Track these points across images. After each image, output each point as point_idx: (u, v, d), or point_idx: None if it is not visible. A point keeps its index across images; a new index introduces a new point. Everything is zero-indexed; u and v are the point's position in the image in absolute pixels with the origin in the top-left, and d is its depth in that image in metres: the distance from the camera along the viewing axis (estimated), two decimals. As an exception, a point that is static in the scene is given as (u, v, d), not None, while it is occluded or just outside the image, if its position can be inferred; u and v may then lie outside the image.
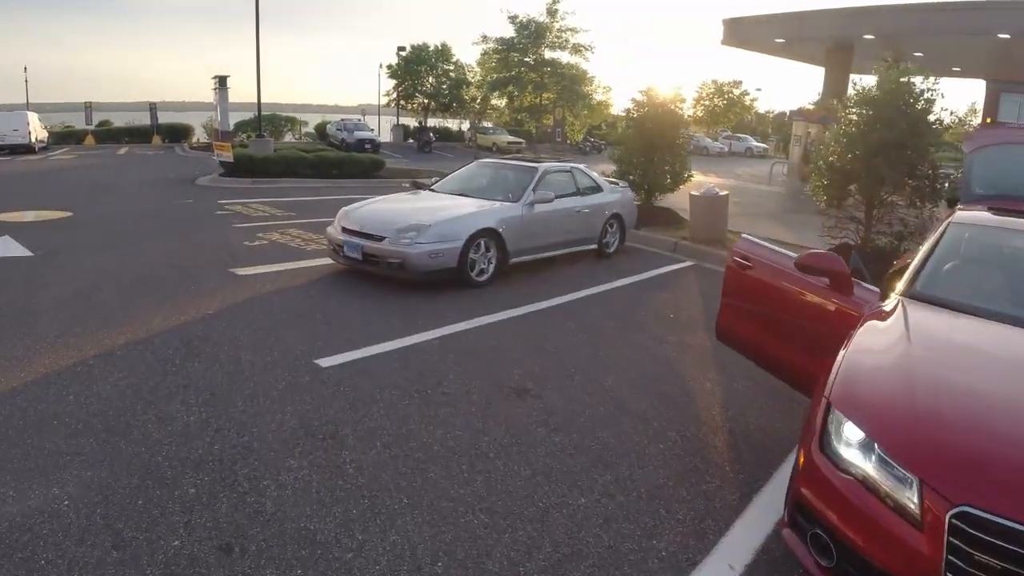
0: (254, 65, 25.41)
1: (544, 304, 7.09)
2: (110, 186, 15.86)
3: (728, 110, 60.63)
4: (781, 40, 27.52)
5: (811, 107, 29.42)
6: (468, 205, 7.97)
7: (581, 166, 10.00)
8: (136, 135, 34.26)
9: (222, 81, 33.17)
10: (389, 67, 42.22)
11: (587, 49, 40.84)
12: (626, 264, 9.50)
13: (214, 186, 16.52)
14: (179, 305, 6.31)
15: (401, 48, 41.27)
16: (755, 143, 51.00)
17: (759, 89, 70.21)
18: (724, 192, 11.10)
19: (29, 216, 11.11)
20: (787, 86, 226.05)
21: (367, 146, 32.74)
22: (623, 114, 12.98)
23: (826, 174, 9.06)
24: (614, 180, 10.64)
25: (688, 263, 9.87)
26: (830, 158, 8.99)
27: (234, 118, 43.70)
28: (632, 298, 7.70)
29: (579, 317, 6.72)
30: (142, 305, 6.28)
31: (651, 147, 12.31)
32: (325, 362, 5.03)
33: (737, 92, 60.90)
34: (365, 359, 5.16)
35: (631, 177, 12.40)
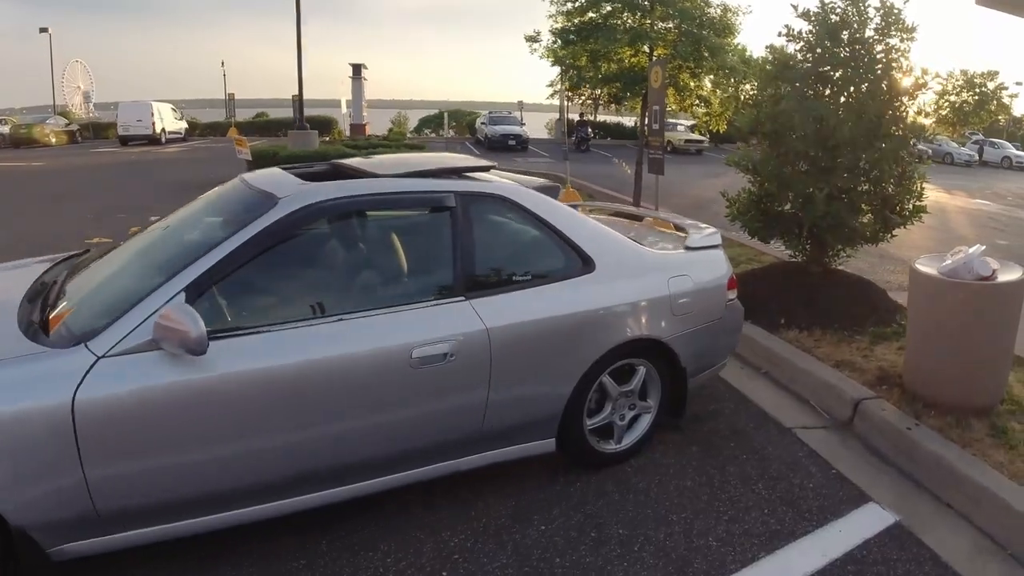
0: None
1: None
2: (110, 189, 12.87)
3: (980, 108, 47.97)
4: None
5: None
6: None
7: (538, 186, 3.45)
8: (280, 128, 33.06)
9: (356, 70, 30.46)
10: (550, 51, 37.60)
11: None
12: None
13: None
14: None
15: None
16: (1015, 151, 39.35)
17: (1019, 83, 55.86)
18: (1016, 273, 4.65)
19: None
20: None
21: (511, 142, 28.79)
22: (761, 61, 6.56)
23: None
24: (689, 225, 4.09)
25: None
26: None
27: (417, 115, 42.09)
28: None
29: None
30: None
31: (838, 138, 5.19)
32: None
33: (992, 86, 48.24)
34: None
35: (779, 207, 5.73)
